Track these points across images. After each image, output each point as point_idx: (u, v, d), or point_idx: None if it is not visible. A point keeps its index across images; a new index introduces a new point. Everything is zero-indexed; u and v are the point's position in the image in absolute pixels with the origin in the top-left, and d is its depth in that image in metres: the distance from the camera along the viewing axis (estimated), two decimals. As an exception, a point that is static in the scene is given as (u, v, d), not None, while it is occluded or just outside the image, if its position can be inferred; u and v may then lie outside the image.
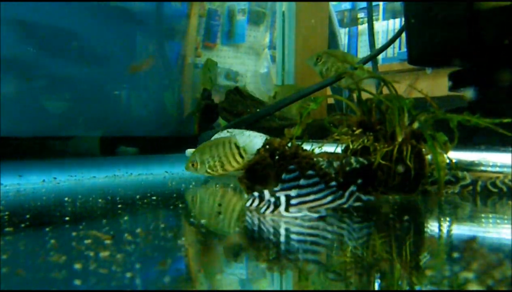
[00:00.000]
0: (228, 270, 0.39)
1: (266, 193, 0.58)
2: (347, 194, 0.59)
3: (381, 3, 2.81)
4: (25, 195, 0.79)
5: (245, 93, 1.29)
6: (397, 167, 0.62)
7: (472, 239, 0.43)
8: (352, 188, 0.59)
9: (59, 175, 0.97)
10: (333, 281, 0.36)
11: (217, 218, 0.60)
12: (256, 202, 0.58)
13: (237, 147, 0.92)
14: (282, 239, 0.47)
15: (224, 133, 1.02)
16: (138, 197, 0.75)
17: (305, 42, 1.64)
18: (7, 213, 0.60)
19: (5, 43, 1.01)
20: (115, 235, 0.47)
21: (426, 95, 0.64)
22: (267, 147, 0.65)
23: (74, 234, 0.48)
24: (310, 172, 0.56)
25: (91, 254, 0.39)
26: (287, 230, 0.51)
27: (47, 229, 0.51)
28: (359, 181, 0.60)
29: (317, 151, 0.68)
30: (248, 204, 0.59)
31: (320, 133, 0.73)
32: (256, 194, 0.59)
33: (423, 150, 0.64)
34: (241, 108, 1.24)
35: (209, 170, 0.93)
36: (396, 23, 2.78)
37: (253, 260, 0.41)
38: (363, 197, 0.60)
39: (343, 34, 2.87)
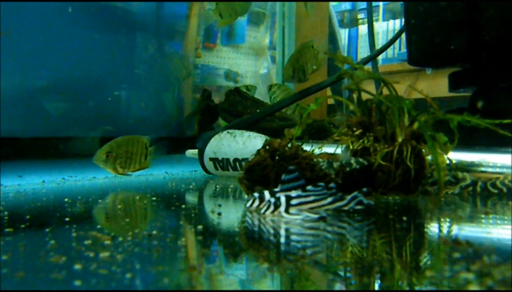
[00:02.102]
0: (228, 270, 0.39)
1: (266, 193, 0.58)
2: (349, 197, 0.59)
3: (381, 4, 2.81)
4: (25, 195, 0.79)
5: (245, 94, 1.28)
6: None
7: (470, 240, 0.43)
8: (356, 193, 0.59)
9: (59, 176, 0.97)
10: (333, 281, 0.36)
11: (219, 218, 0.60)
12: (256, 203, 0.58)
13: (146, 148, 0.87)
14: (283, 239, 0.47)
15: (223, 134, 1.01)
16: (138, 197, 0.75)
17: (305, 43, 1.64)
18: (7, 213, 0.60)
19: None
20: (115, 235, 0.46)
21: (426, 96, 0.64)
22: (267, 147, 0.65)
23: (74, 234, 0.48)
24: (320, 184, 0.57)
25: (91, 254, 0.39)
26: (287, 230, 0.51)
27: (47, 230, 0.51)
28: (365, 189, 0.60)
29: (317, 151, 0.68)
30: (248, 204, 0.59)
31: (320, 134, 0.73)
32: (256, 194, 0.59)
33: (423, 150, 0.64)
34: (241, 109, 1.24)
35: (118, 167, 0.87)
36: (396, 24, 2.78)
37: (254, 261, 0.41)
38: (365, 201, 0.59)
39: (343, 35, 2.87)
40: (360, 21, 2.96)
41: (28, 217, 0.59)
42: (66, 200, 0.72)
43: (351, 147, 0.65)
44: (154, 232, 0.48)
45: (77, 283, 0.33)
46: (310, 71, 1.22)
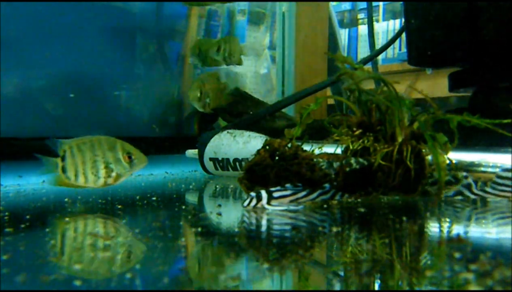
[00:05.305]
0: (228, 270, 0.39)
1: (263, 192, 0.58)
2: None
3: (381, 4, 2.81)
4: (25, 195, 0.79)
5: (244, 94, 1.28)
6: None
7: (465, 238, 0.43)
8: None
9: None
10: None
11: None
12: (254, 202, 0.59)
13: None
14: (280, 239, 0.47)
15: (223, 134, 1.01)
16: (138, 197, 0.75)
17: (305, 43, 1.64)
18: (7, 213, 0.60)
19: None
20: (115, 235, 0.47)
21: (426, 96, 0.64)
22: (267, 147, 0.65)
23: (74, 235, 0.48)
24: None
25: (91, 254, 0.39)
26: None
27: (47, 230, 0.51)
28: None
29: (317, 151, 0.68)
30: (245, 204, 0.59)
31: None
32: (253, 194, 0.59)
33: (423, 150, 0.64)
34: (241, 109, 1.24)
35: None
36: (396, 24, 2.78)
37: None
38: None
39: (343, 35, 2.87)
40: (360, 21, 2.96)
41: (28, 217, 0.59)
42: (66, 200, 0.72)
43: (351, 147, 0.65)
44: (153, 232, 0.48)
45: (77, 283, 0.33)
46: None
